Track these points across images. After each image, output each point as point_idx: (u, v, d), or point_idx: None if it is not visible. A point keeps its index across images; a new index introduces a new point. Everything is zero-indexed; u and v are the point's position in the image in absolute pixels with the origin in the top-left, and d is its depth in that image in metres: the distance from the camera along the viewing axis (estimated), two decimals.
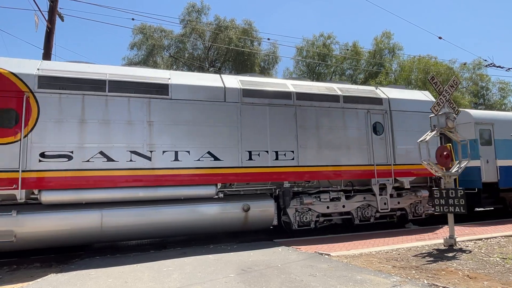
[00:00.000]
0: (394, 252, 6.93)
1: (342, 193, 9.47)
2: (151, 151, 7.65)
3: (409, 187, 9.94)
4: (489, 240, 7.90)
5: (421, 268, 5.70)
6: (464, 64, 28.33)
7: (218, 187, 8.15)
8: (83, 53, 60.19)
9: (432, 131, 7.86)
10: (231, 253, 7.10)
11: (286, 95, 9.03)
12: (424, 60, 28.13)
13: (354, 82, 29.96)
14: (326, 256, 6.65)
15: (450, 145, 8.00)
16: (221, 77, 9.00)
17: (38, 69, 7.30)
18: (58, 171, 7.01)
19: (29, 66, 7.34)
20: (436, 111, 7.78)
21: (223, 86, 8.51)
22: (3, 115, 6.81)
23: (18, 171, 6.71)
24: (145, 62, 23.85)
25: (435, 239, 8.11)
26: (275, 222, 9.27)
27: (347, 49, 29.16)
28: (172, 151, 7.81)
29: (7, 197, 6.85)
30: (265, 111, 8.71)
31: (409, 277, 5.13)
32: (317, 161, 9.03)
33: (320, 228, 9.63)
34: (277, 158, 8.65)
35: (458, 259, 6.23)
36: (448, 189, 7.37)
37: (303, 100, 9.13)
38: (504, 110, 28.33)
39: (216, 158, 8.10)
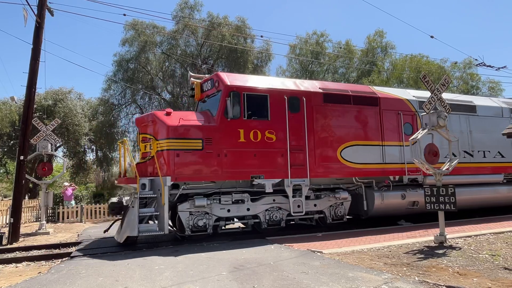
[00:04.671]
0: (385, 250, 6.99)
1: None
2: (472, 151, 11.52)
3: None
4: (478, 237, 8.02)
5: (412, 265, 5.75)
6: (455, 63, 28.51)
7: (503, 176, 12.01)
8: (73, 48, 59.40)
9: (423, 129, 7.92)
10: (224, 251, 7.09)
11: None
12: (416, 59, 28.26)
13: (347, 80, 30.06)
14: (319, 253, 6.68)
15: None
16: (491, 99, 13.09)
17: (413, 96, 11.17)
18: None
19: (408, 94, 11.29)
20: (428, 109, 7.84)
21: (500, 106, 12.66)
22: (407, 127, 10.63)
23: (404, 163, 10.36)
24: (136, 58, 23.51)
25: (426, 236, 8.20)
26: None
27: (340, 48, 29.19)
28: (482, 151, 11.69)
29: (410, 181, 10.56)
30: None
31: (400, 274, 5.18)
32: None
33: (316, 226, 9.81)
34: None
35: (448, 256, 6.31)
36: (438, 186, 7.45)
37: None
38: None
39: (502, 156, 12.10)
